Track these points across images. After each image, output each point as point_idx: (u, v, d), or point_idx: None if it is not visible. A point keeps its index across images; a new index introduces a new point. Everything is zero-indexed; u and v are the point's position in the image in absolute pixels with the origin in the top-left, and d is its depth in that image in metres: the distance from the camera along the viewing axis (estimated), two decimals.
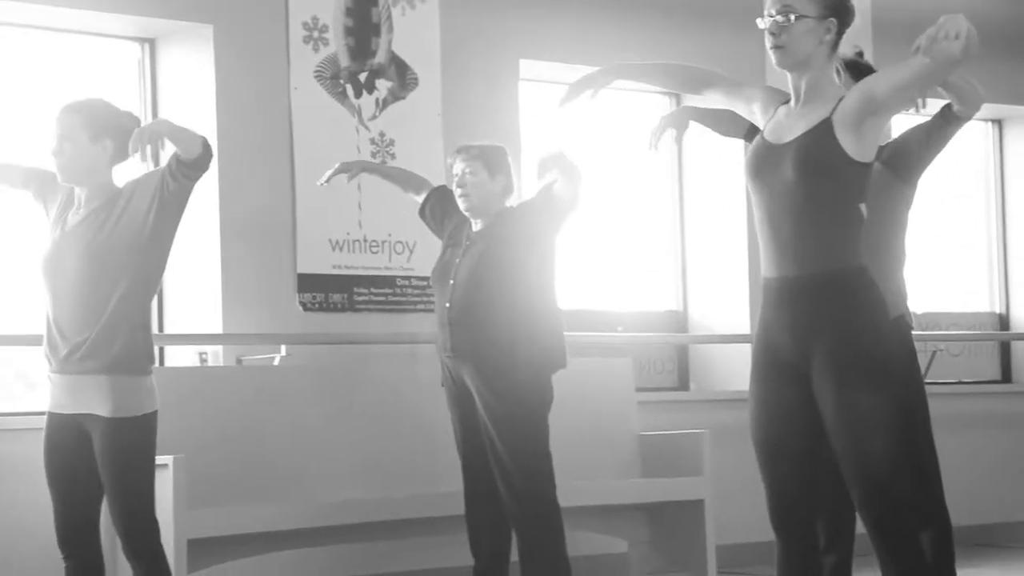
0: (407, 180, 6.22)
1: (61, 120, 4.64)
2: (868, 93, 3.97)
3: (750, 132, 4.29)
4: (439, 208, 6.05)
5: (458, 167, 5.87)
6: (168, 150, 4.59)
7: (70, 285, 4.57)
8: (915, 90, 3.95)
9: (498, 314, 5.70)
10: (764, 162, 4.07)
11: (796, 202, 4.00)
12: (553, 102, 4.34)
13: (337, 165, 6.15)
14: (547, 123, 7.74)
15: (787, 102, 4.14)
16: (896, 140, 5.11)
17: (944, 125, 4.98)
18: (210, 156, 4.60)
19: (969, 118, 4.96)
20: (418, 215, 6.16)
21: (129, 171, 4.80)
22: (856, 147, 3.99)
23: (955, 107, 4.91)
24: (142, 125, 4.65)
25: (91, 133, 4.62)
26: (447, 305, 5.79)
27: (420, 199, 6.13)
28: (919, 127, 5.07)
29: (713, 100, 4.34)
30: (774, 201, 4.04)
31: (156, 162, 4.66)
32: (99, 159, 4.64)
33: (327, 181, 6.14)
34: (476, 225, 5.89)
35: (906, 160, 5.03)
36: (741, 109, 4.27)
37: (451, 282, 5.80)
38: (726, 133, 5.01)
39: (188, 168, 4.57)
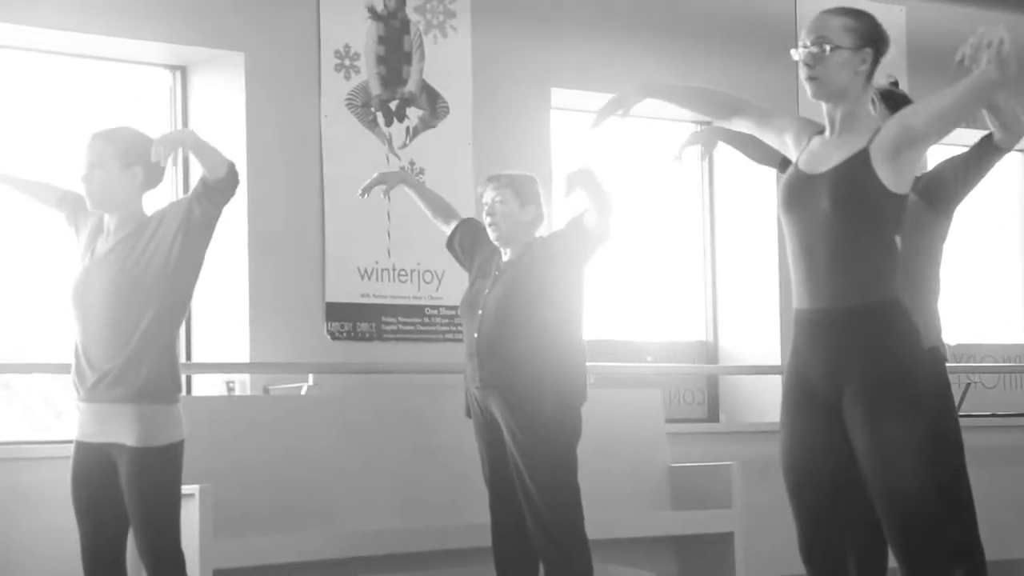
0: (440, 206, 6.19)
1: (92, 147, 4.65)
2: (906, 124, 3.93)
3: (783, 163, 4.25)
4: (468, 240, 6.03)
5: (488, 196, 5.85)
6: (193, 169, 4.58)
7: (98, 313, 4.57)
8: (954, 119, 3.91)
9: (526, 345, 5.67)
10: (799, 192, 4.04)
11: (831, 233, 3.96)
12: (585, 127, 4.31)
13: (376, 175, 6.12)
14: (578, 150, 7.71)
15: (821, 132, 4.11)
16: (932, 171, 5.06)
17: (983, 156, 4.92)
18: (236, 180, 4.58)
19: (1009, 149, 4.89)
20: (446, 246, 6.13)
21: (160, 198, 4.79)
22: (893, 178, 3.95)
23: (996, 137, 4.85)
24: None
25: (121, 161, 4.62)
26: (475, 335, 5.76)
27: (448, 229, 6.10)
28: (956, 158, 5.01)
29: (741, 128, 4.31)
30: (809, 232, 4.00)
31: (163, 168, 4.63)
32: (129, 187, 4.64)
33: (366, 193, 6.10)
34: (505, 255, 5.87)
35: (942, 192, 4.98)
36: (771, 139, 4.23)
37: (480, 312, 5.78)
38: (756, 159, 4.98)
39: (214, 192, 4.56)
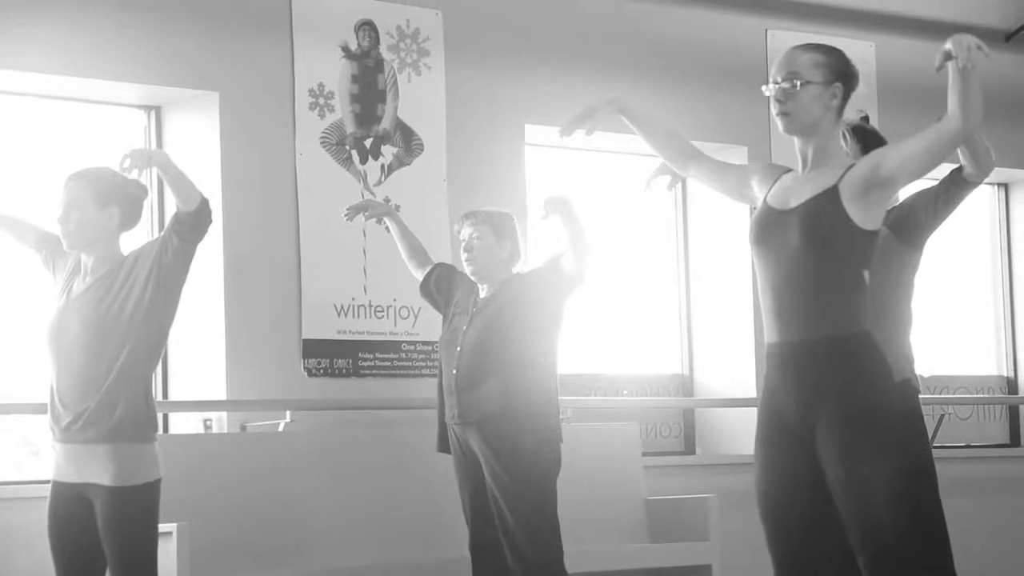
0: (417, 249, 6.22)
1: (68, 188, 4.65)
2: (876, 164, 3.97)
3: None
4: (444, 280, 6.06)
5: (465, 232, 5.89)
6: (168, 208, 4.59)
7: (73, 354, 4.56)
8: (924, 165, 3.94)
9: (505, 381, 5.69)
10: (769, 228, 4.07)
11: (801, 268, 3.99)
12: (555, 134, 4.34)
13: (363, 200, 6.18)
14: (553, 183, 7.74)
15: (789, 171, 4.15)
16: (902, 204, 5.08)
17: (953, 190, 4.95)
18: (209, 216, 4.59)
19: (979, 183, 4.92)
20: (419, 289, 6.15)
21: (137, 239, 4.80)
22: (862, 215, 3.99)
23: (966, 171, 4.88)
24: (147, 193, 4.67)
25: (98, 201, 4.63)
26: (454, 372, 5.78)
27: (421, 273, 6.13)
28: (926, 191, 5.04)
29: (696, 175, 4.34)
30: (779, 267, 4.03)
31: (140, 207, 4.65)
32: (106, 227, 4.65)
33: (350, 216, 6.17)
34: (483, 291, 5.90)
35: (913, 224, 5.01)
36: (730, 187, 4.27)
37: (458, 349, 5.80)
38: (723, 191, 4.97)
39: (187, 229, 4.55)
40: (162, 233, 4.63)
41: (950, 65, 3.75)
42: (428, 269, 6.13)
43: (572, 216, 5.64)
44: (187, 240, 4.58)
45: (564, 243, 5.68)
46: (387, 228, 6.36)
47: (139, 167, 4.51)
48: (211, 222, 4.62)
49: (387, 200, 7.05)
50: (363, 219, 6.29)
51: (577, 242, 5.64)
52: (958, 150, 4.78)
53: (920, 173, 3.98)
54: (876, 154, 4.01)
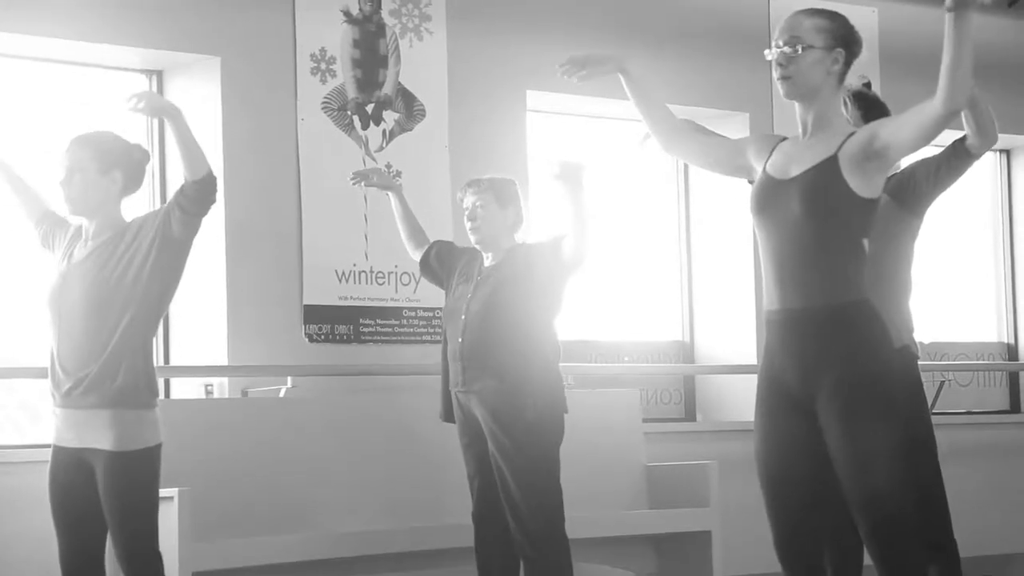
0: (416, 229, 6.20)
1: (71, 152, 4.65)
2: (872, 136, 3.97)
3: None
4: (444, 254, 6.05)
5: (468, 200, 5.89)
6: (171, 179, 4.57)
7: (73, 319, 4.57)
8: (915, 139, 3.94)
9: (508, 350, 5.70)
10: (770, 197, 4.07)
11: (802, 237, 3.99)
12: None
13: (371, 167, 6.16)
14: (554, 147, 7.73)
15: (785, 139, 4.15)
16: (904, 171, 5.08)
17: (955, 161, 4.94)
18: (214, 191, 4.58)
19: (980, 155, 4.91)
20: (420, 266, 6.13)
21: (138, 205, 4.80)
22: (861, 185, 3.99)
23: (968, 141, 4.87)
24: (149, 157, 4.68)
25: (101, 165, 4.62)
26: (459, 340, 5.79)
27: (419, 253, 6.12)
28: (928, 160, 5.04)
29: (681, 154, 4.34)
30: (780, 235, 4.03)
31: (143, 172, 4.65)
32: (109, 191, 4.64)
33: (357, 181, 6.18)
34: (487, 260, 5.90)
35: (913, 192, 5.01)
36: (722, 161, 4.26)
37: (463, 318, 5.80)
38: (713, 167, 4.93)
39: (191, 201, 4.54)
40: (166, 204, 4.63)
41: (946, 20, 3.72)
42: (427, 247, 6.13)
43: (579, 192, 5.62)
44: (189, 212, 4.57)
45: (566, 222, 5.67)
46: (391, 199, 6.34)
47: (147, 111, 4.49)
48: (215, 199, 4.59)
49: (388, 166, 7.04)
50: (363, 185, 6.27)
51: (579, 224, 5.64)
52: (963, 118, 4.78)
53: (913, 148, 3.99)
54: (874, 125, 4.01)
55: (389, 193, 6.25)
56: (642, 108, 4.35)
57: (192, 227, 4.60)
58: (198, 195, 4.55)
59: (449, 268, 6.03)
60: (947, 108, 3.81)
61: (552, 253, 5.76)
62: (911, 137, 3.92)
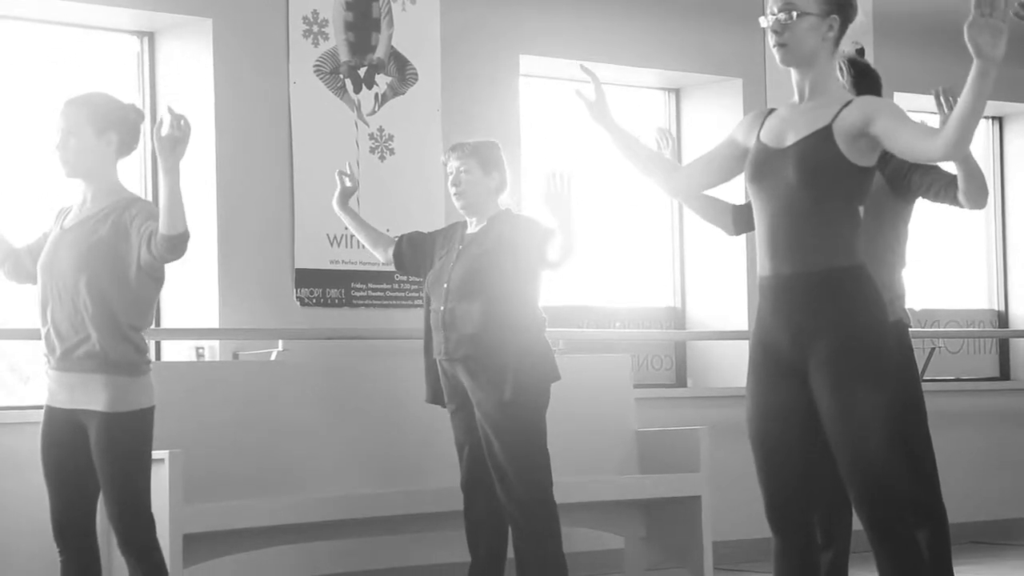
0: (378, 236, 6.16)
1: (65, 114, 4.62)
2: (869, 120, 3.95)
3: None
4: (418, 242, 6.02)
5: (452, 165, 5.88)
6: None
7: (66, 284, 4.56)
8: (905, 153, 3.97)
9: (491, 317, 5.70)
10: (765, 166, 4.07)
11: (796, 203, 4.00)
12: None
13: (350, 173, 6.09)
14: (546, 116, 7.72)
15: (773, 110, 4.15)
16: (898, 163, 5.02)
17: (943, 197, 4.94)
18: (185, 248, 4.48)
19: (964, 207, 4.94)
20: (393, 261, 6.06)
21: (132, 166, 4.75)
22: (856, 154, 3.99)
23: (959, 193, 4.85)
24: (144, 118, 4.65)
25: (96, 127, 4.60)
26: (441, 309, 5.79)
27: (389, 253, 6.08)
28: (929, 171, 5.00)
29: (685, 189, 4.44)
30: (775, 202, 4.03)
31: (138, 134, 4.63)
32: (104, 153, 4.63)
33: (344, 175, 6.11)
34: (471, 225, 5.89)
35: (906, 185, 5.03)
36: (723, 167, 4.28)
37: (445, 285, 5.80)
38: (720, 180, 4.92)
39: (161, 250, 4.46)
40: (142, 234, 4.51)
41: (973, 67, 3.71)
42: (395, 243, 6.08)
43: (567, 219, 5.65)
44: (155, 260, 4.51)
45: (554, 228, 5.69)
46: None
47: (167, 140, 4.41)
48: (182, 255, 4.52)
49: (380, 130, 7.03)
50: (344, 178, 6.14)
51: (566, 235, 5.67)
52: (958, 172, 4.79)
53: (899, 155, 4.02)
54: (873, 109, 3.98)
55: (335, 204, 6.14)
56: (634, 161, 4.48)
57: (157, 269, 4.56)
58: (166, 251, 4.46)
59: (424, 253, 6.00)
60: (944, 155, 3.86)
61: (538, 247, 5.76)
62: (900, 150, 3.96)
